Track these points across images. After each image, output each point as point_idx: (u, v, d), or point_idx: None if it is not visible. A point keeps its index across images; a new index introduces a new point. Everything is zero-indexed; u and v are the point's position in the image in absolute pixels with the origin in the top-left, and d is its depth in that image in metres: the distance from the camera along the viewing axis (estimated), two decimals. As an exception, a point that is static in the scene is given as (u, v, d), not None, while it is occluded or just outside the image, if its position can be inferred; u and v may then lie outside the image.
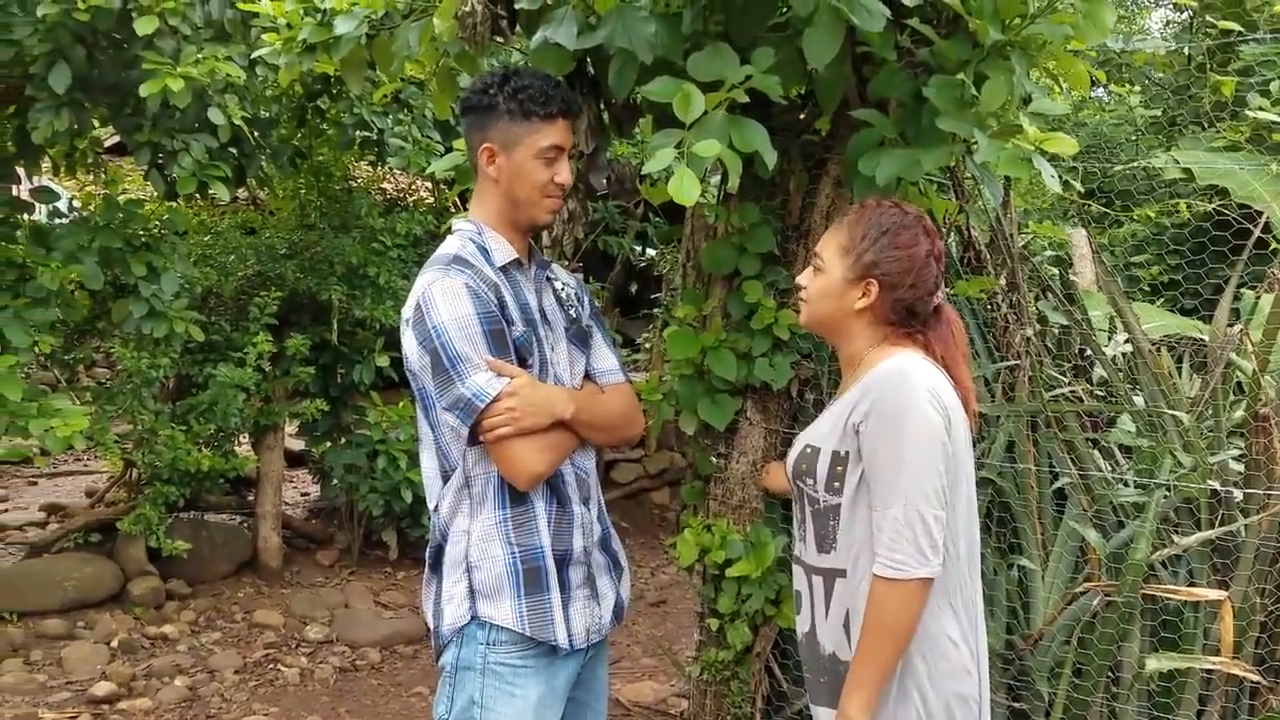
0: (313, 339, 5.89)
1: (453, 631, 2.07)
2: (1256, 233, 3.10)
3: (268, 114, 5.14)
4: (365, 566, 6.32)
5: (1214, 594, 2.47)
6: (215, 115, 4.25)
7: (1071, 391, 3.05)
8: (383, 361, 5.94)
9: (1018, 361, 2.91)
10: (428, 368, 2.01)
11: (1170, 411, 2.79)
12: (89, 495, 7.26)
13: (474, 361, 1.98)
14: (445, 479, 2.10)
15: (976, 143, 2.13)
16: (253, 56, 3.75)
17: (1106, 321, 3.55)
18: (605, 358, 2.29)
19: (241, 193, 6.23)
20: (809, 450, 1.99)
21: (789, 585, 2.52)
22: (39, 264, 4.33)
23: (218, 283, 5.79)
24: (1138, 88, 7.49)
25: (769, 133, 2.03)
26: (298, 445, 6.98)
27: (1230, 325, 2.92)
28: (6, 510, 7.47)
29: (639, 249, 8.11)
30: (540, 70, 2.17)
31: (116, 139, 5.71)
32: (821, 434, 1.98)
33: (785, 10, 2.20)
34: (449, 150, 3.01)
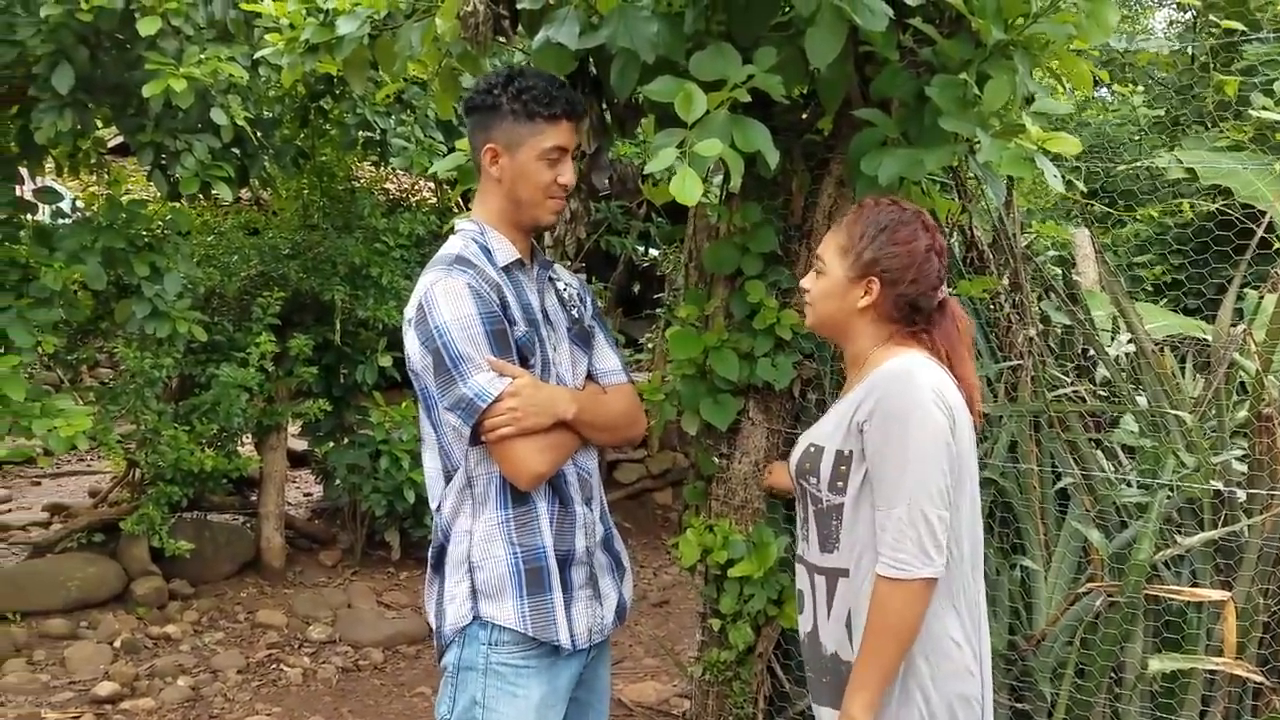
0: (315, 339, 5.89)
1: (455, 632, 2.07)
2: (1259, 233, 3.10)
3: (270, 114, 5.15)
4: (368, 566, 6.32)
5: (1217, 594, 2.47)
6: (218, 115, 4.25)
7: (1074, 391, 3.04)
8: (385, 362, 5.94)
9: (1020, 361, 2.91)
10: (430, 368, 2.01)
11: (1173, 412, 2.79)
12: (92, 495, 7.26)
13: (476, 361, 1.98)
14: (447, 479, 2.10)
15: (979, 142, 2.13)
16: (255, 57, 3.75)
17: (1109, 321, 3.55)
18: (607, 358, 2.29)
19: (244, 193, 6.24)
20: (812, 449, 1.99)
21: (791, 585, 2.52)
22: (42, 264, 4.34)
23: (221, 283, 5.79)
24: (1141, 88, 7.48)
25: (771, 132, 2.02)
26: (300, 445, 6.98)
27: (1233, 325, 2.92)
28: (10, 510, 7.48)
29: (642, 249, 8.11)
30: (544, 71, 2.17)
31: (120, 139, 5.71)
32: (825, 433, 1.98)
33: (787, 10, 2.20)
34: (452, 150, 3.01)
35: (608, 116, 2.59)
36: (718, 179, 2.74)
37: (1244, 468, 2.63)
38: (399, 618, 5.57)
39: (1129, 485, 2.75)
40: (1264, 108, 5.41)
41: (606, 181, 2.63)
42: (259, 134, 4.87)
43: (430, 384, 2.03)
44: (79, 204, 5.10)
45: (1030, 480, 2.78)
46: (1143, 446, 2.87)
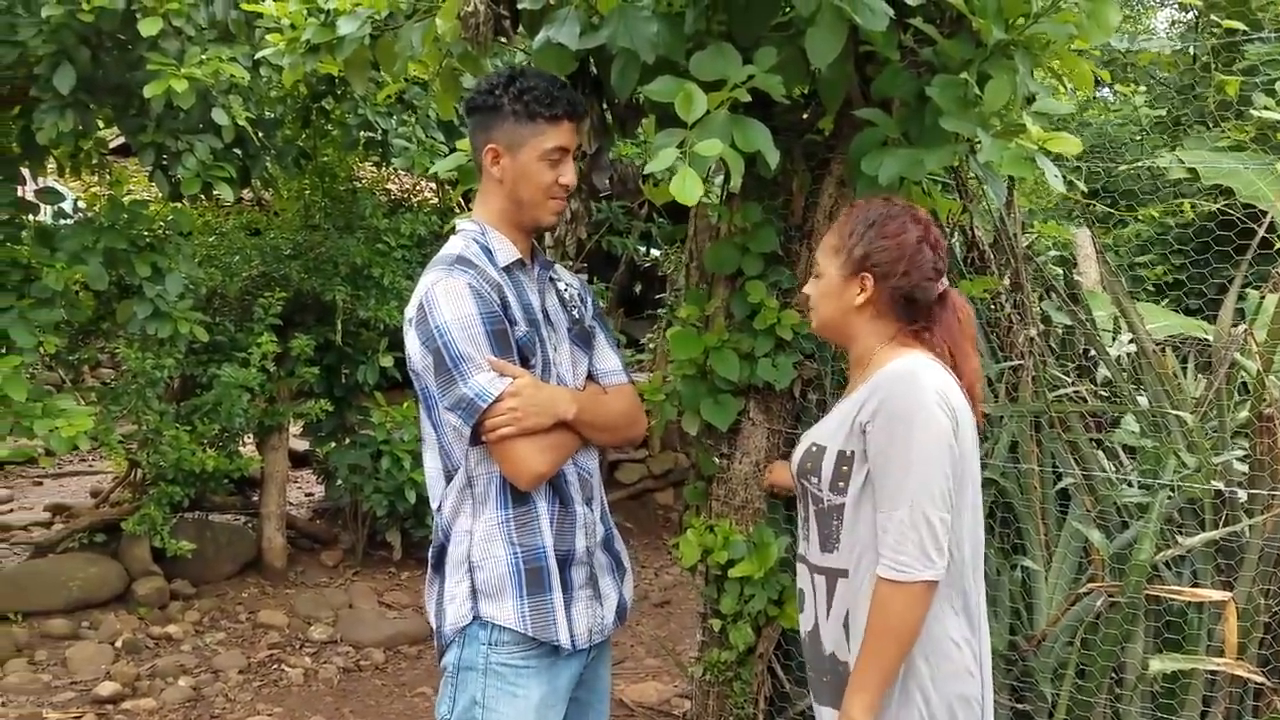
0: (317, 339, 5.89)
1: (455, 632, 2.07)
2: (1261, 232, 3.09)
3: (272, 115, 5.15)
4: (369, 567, 6.33)
5: (1218, 595, 2.47)
6: (219, 116, 4.25)
7: (1075, 392, 3.04)
8: (387, 362, 5.95)
9: (1021, 362, 2.90)
10: (430, 367, 2.01)
11: (1174, 412, 2.79)
12: (94, 495, 7.27)
13: (476, 361, 1.98)
14: (448, 479, 2.10)
15: (980, 142, 2.13)
16: (257, 57, 3.76)
17: (1111, 322, 3.55)
18: (608, 358, 2.29)
19: (246, 193, 6.24)
20: (814, 449, 1.99)
21: (791, 586, 2.52)
22: (44, 265, 4.34)
23: (222, 283, 5.80)
24: (1143, 87, 7.48)
25: (772, 132, 2.02)
26: (302, 446, 6.99)
27: (1234, 325, 2.92)
28: (12, 510, 7.49)
29: (643, 249, 8.11)
30: (545, 71, 2.17)
31: (121, 140, 5.72)
32: (828, 433, 1.98)
33: (788, 10, 2.20)
34: (453, 151, 3.01)
35: (608, 117, 2.59)
36: (719, 179, 2.74)
37: (1245, 468, 2.63)
38: (400, 618, 5.57)
39: (1130, 485, 2.74)
40: (1265, 107, 5.40)
41: (607, 182, 2.63)
42: (260, 134, 4.88)
43: (431, 384, 2.03)
44: (80, 204, 5.11)
45: (1031, 480, 2.78)
46: (1144, 447, 2.86)
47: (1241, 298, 3.45)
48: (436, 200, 6.70)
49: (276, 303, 5.61)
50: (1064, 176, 2.32)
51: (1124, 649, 2.55)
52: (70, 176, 5.27)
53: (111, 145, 6.32)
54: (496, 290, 2.05)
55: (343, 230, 6.00)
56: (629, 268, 8.17)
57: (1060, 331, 3.33)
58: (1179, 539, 2.54)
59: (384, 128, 5.62)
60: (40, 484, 8.38)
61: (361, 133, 5.60)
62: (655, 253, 8.28)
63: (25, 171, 4.89)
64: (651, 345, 7.72)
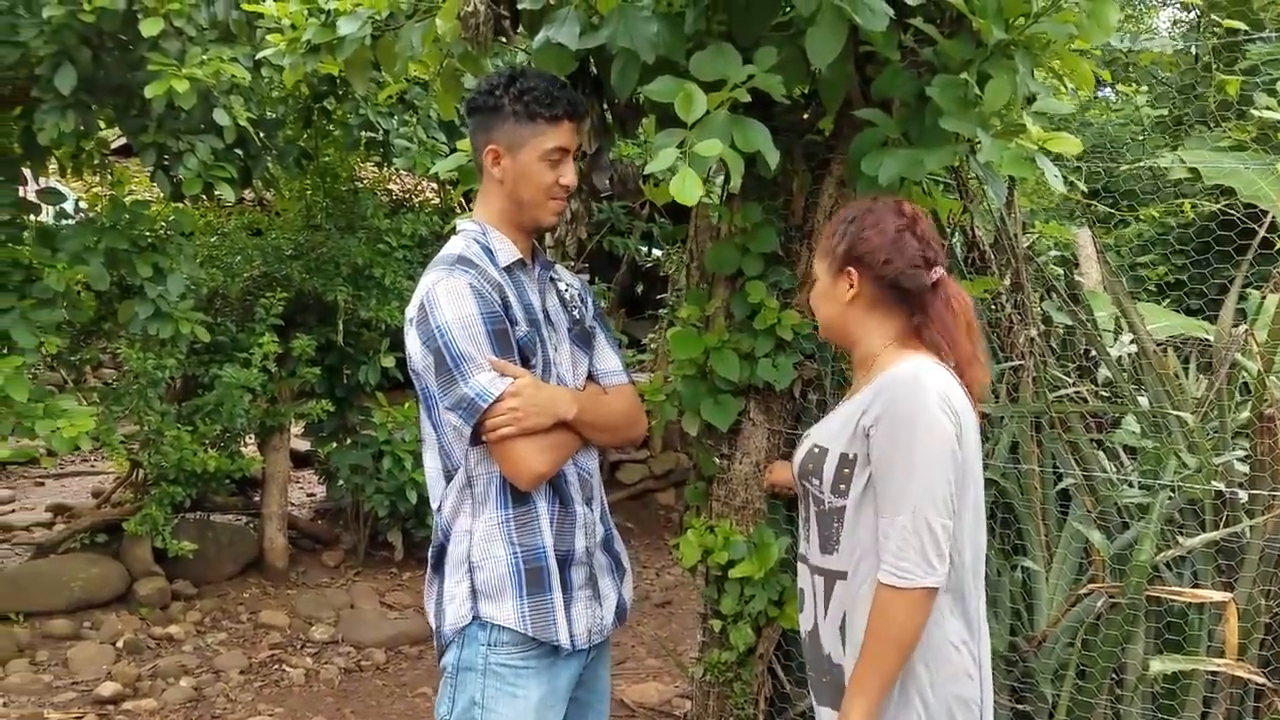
0: (318, 340, 5.90)
1: (454, 632, 2.07)
2: (1261, 232, 3.09)
3: (273, 115, 5.15)
4: (371, 567, 6.33)
5: (1219, 596, 2.46)
6: (220, 116, 4.25)
7: (1076, 392, 3.04)
8: (388, 362, 5.95)
9: (1022, 362, 2.90)
10: (431, 367, 2.01)
11: (1175, 412, 2.79)
12: (95, 496, 7.28)
13: (477, 361, 1.98)
14: (448, 479, 2.10)
15: (980, 142, 2.12)
16: (258, 57, 3.76)
17: (1111, 322, 3.54)
18: (608, 358, 2.29)
19: (247, 194, 6.25)
20: (816, 450, 1.98)
21: (792, 586, 2.52)
22: (45, 265, 4.34)
23: (224, 284, 5.80)
24: (1144, 87, 7.47)
25: (772, 132, 2.02)
26: (303, 446, 6.99)
27: (1235, 326, 2.91)
28: (13, 511, 7.49)
29: (645, 250, 8.11)
30: (545, 71, 2.17)
31: (123, 140, 5.72)
32: (830, 435, 1.97)
33: (788, 10, 2.20)
34: (454, 151, 3.01)
35: (608, 117, 2.59)
36: (719, 179, 2.74)
37: (1246, 468, 2.63)
38: (401, 618, 5.57)
39: (1130, 486, 2.74)
40: (1267, 107, 5.40)
41: (608, 182, 2.63)
42: (262, 135, 4.88)
43: (431, 383, 2.03)
44: (82, 205, 5.11)
45: (1032, 481, 2.78)
46: (1144, 447, 2.86)
47: (1243, 298, 3.45)
48: (438, 200, 6.70)
49: (278, 303, 5.61)
50: (1064, 177, 2.32)
51: (1124, 650, 2.55)
52: (72, 177, 5.27)
53: (113, 146, 6.33)
54: (497, 290, 2.05)
55: (344, 230, 6.00)
56: (630, 268, 8.17)
57: (1061, 332, 3.33)
58: (1180, 540, 2.53)
59: (385, 128, 5.62)
60: (42, 484, 8.39)
61: (363, 133, 5.61)
62: (657, 253, 8.28)
63: (27, 172, 4.89)
64: (653, 345, 7.72)
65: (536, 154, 2.08)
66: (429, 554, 2.18)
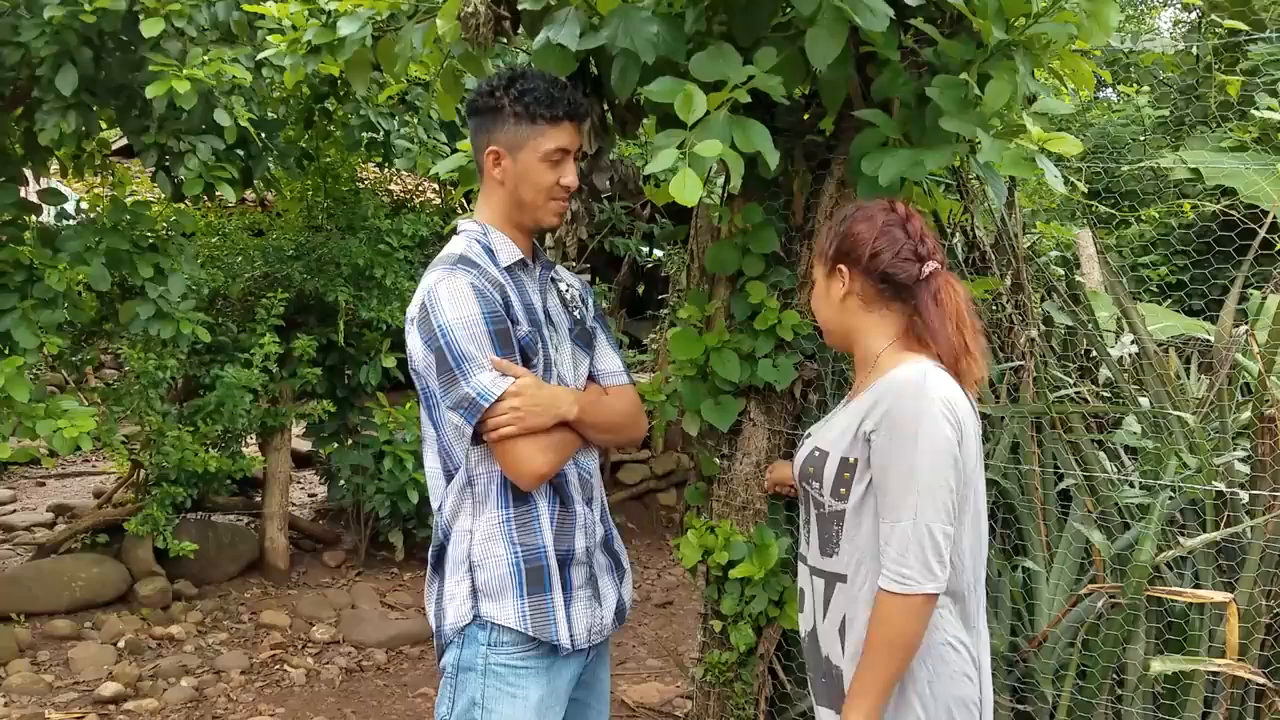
0: (319, 340, 5.90)
1: (454, 631, 2.07)
2: (1262, 233, 3.08)
3: (274, 115, 5.16)
4: (372, 567, 6.33)
5: (1219, 596, 2.46)
6: (221, 117, 4.26)
7: (1077, 392, 3.04)
8: (389, 363, 5.95)
9: (1023, 362, 2.90)
10: (432, 366, 2.01)
11: (1176, 413, 2.78)
12: (96, 496, 7.28)
13: (479, 360, 1.98)
14: (448, 478, 2.10)
15: (980, 143, 2.12)
16: (259, 58, 3.76)
17: (1113, 322, 3.54)
18: (609, 359, 2.29)
19: (248, 194, 6.25)
20: (817, 454, 1.98)
21: (792, 587, 2.52)
22: (46, 265, 4.35)
23: (225, 284, 5.81)
24: (1145, 88, 7.47)
25: (772, 133, 2.03)
26: (304, 446, 6.99)
27: (1236, 326, 2.91)
28: (15, 511, 7.49)
29: (645, 250, 8.12)
30: (546, 72, 2.17)
31: (124, 141, 5.73)
32: (831, 438, 1.97)
33: (788, 10, 2.20)
34: (455, 151, 3.01)
35: (609, 117, 2.59)
36: (720, 180, 2.74)
37: (1247, 469, 2.63)
38: (403, 618, 5.57)
39: (1131, 486, 2.74)
40: (1268, 108, 5.40)
41: (608, 182, 2.63)
42: (263, 135, 4.89)
43: (432, 383, 2.03)
44: (83, 205, 5.11)
45: (1032, 481, 2.77)
46: (1145, 447, 2.86)
47: (1243, 298, 3.45)
48: (439, 201, 6.71)
49: (279, 303, 5.62)
50: (1065, 177, 2.32)
51: (1125, 650, 2.55)
52: (73, 177, 5.28)
53: (114, 146, 6.34)
54: (499, 290, 2.05)
55: (345, 231, 6.00)
56: (631, 268, 8.17)
57: (1062, 332, 3.32)
58: (1180, 540, 2.53)
59: (386, 128, 5.63)
60: (43, 485, 8.39)
61: (363, 134, 5.61)
62: (657, 253, 8.29)
63: (28, 172, 4.90)
64: (654, 346, 7.73)
65: (537, 155, 2.08)
66: (429, 554, 2.18)
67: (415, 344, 2.05)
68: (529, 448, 2.01)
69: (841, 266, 1.96)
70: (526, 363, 2.06)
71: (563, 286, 2.27)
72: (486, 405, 1.97)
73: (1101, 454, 2.86)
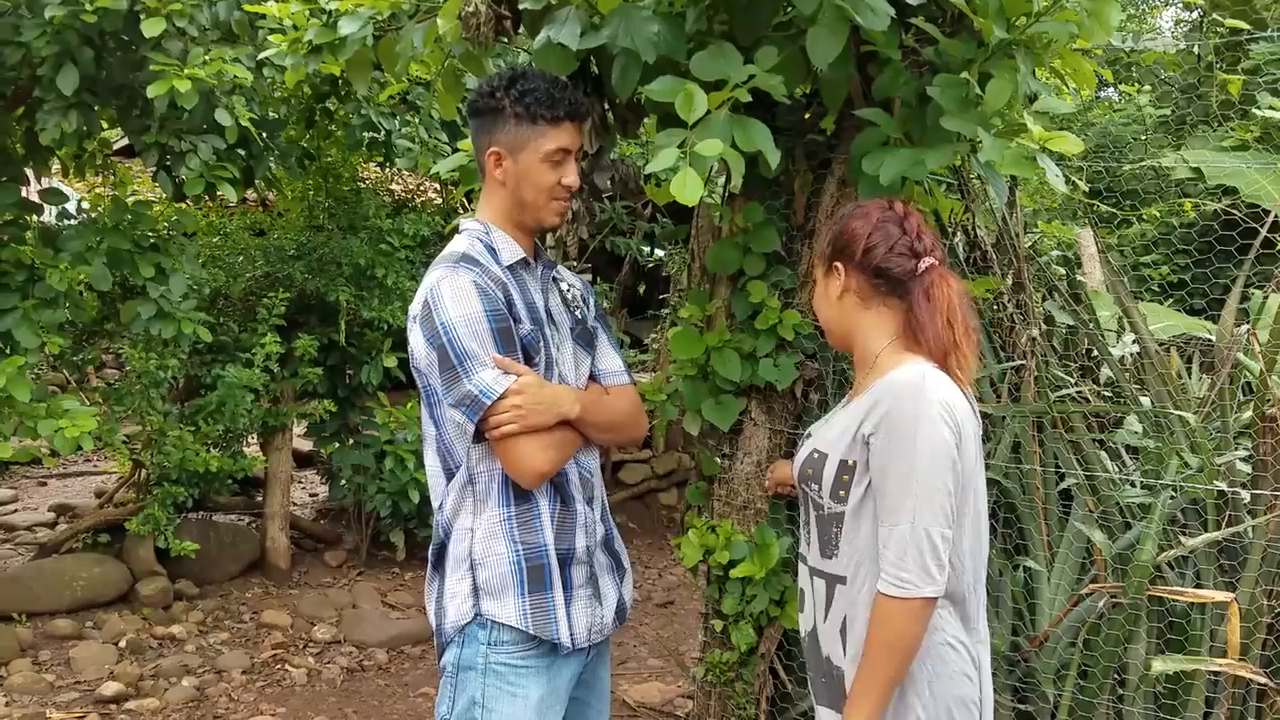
0: (321, 340, 5.90)
1: (455, 630, 2.07)
2: (1264, 232, 3.08)
3: (275, 115, 5.16)
4: (373, 567, 6.33)
5: (1221, 596, 2.46)
6: (222, 116, 4.26)
7: (1078, 392, 3.04)
8: (390, 362, 5.95)
9: (1024, 362, 2.90)
10: (434, 364, 2.01)
11: (1177, 412, 2.78)
12: (98, 496, 7.28)
13: (481, 358, 1.98)
14: (448, 477, 2.10)
15: (981, 142, 2.12)
16: (260, 58, 3.76)
17: (1114, 322, 3.54)
18: (610, 359, 2.29)
19: (250, 194, 6.26)
20: (816, 456, 1.98)
21: (793, 586, 2.52)
22: (47, 265, 4.35)
23: (226, 284, 5.81)
24: (1147, 87, 7.47)
25: (773, 132, 2.03)
26: (306, 446, 7.00)
27: (1238, 325, 2.91)
28: (16, 511, 7.50)
29: (646, 250, 8.12)
30: (547, 72, 2.17)
31: (125, 140, 5.73)
32: (830, 440, 1.96)
33: (789, 9, 2.20)
34: (456, 151, 3.02)
35: (609, 116, 2.59)
36: (721, 179, 2.74)
37: (1248, 468, 2.62)
38: (404, 618, 5.57)
39: (1133, 486, 2.74)
40: (1270, 107, 5.40)
41: (609, 181, 2.63)
42: (264, 135, 4.89)
43: (434, 381, 2.03)
44: (84, 205, 5.12)
45: (1033, 481, 2.77)
46: (1146, 447, 2.86)
47: (1245, 297, 3.45)
48: (440, 201, 6.71)
49: (280, 303, 5.62)
50: (1066, 176, 2.31)
51: (1126, 650, 2.54)
52: (74, 177, 5.28)
53: (115, 146, 6.34)
54: (501, 288, 2.05)
55: (346, 231, 6.01)
56: (632, 268, 8.18)
57: (1063, 331, 3.32)
58: (1182, 540, 2.53)
59: (387, 128, 5.63)
60: (45, 484, 8.40)
61: (365, 133, 5.61)
62: (659, 253, 8.29)
63: (29, 172, 4.90)
64: (655, 345, 7.73)
65: (538, 155, 2.08)
66: (429, 552, 2.18)
67: (418, 341, 2.05)
68: (530, 446, 2.01)
69: (838, 264, 1.96)
70: (528, 361, 2.06)
71: (564, 286, 2.27)
72: (489, 403, 1.97)
73: (1103, 453, 2.85)
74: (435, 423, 2.09)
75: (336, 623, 5.50)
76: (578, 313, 2.26)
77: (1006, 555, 2.76)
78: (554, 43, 2.23)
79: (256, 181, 5.11)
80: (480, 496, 2.08)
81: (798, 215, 2.67)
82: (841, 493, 1.91)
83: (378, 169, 6.60)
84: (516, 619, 2.03)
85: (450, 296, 2.00)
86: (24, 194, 4.68)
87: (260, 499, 6.30)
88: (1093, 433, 2.88)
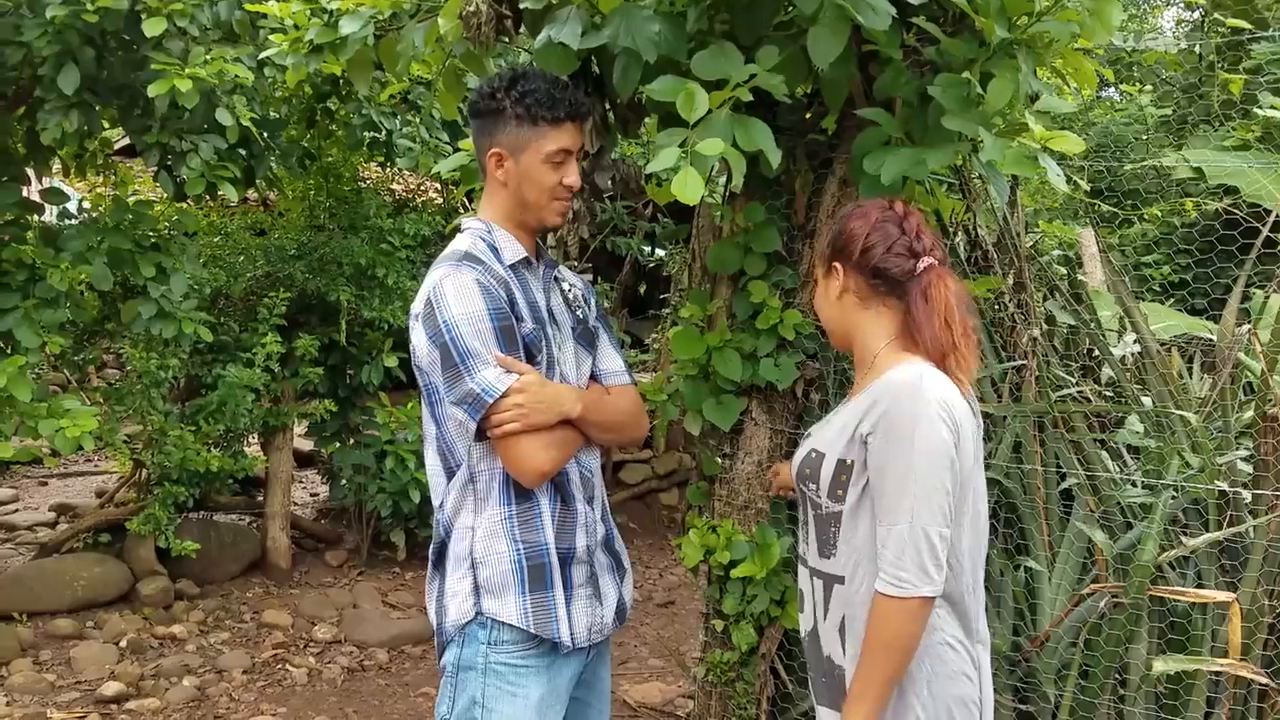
0: (321, 340, 5.90)
1: (456, 629, 2.07)
2: (1265, 232, 3.08)
3: (276, 115, 5.16)
4: (373, 567, 6.33)
5: (1222, 596, 2.46)
6: (223, 116, 4.26)
7: (1079, 392, 3.03)
8: (391, 362, 5.96)
9: (1025, 361, 2.90)
10: (436, 362, 2.01)
11: (1178, 412, 2.78)
12: (99, 495, 7.28)
13: (483, 357, 1.98)
14: (449, 475, 2.10)
15: (982, 141, 2.12)
16: (261, 57, 3.76)
17: (1115, 321, 3.54)
18: (611, 359, 2.29)
19: (251, 194, 6.26)
20: (814, 455, 1.98)
21: (794, 586, 2.51)
22: (48, 265, 4.35)
23: (227, 284, 5.81)
24: (1148, 86, 7.47)
25: (774, 132, 2.03)
26: (306, 446, 7.00)
27: (1239, 325, 2.91)
28: (17, 510, 7.50)
29: (647, 249, 8.12)
30: (548, 73, 2.17)
31: (126, 140, 5.73)
32: (828, 440, 1.96)
33: (790, 9, 2.20)
34: (457, 151, 3.02)
35: (610, 116, 2.59)
36: (722, 179, 2.73)
37: (1249, 468, 2.62)
38: (404, 618, 5.57)
39: (1134, 486, 2.74)
40: (1271, 107, 5.39)
41: (609, 181, 2.63)
42: (265, 134, 4.89)
43: (436, 379, 2.03)
44: (85, 205, 5.12)
45: (1034, 481, 2.77)
46: (1147, 447, 2.85)
47: (1246, 297, 3.44)
48: (441, 200, 6.71)
49: (281, 303, 5.62)
50: (1068, 176, 2.31)
51: (1127, 650, 2.54)
52: (75, 177, 5.28)
53: (116, 146, 6.34)
54: (503, 287, 2.05)
55: (347, 230, 6.01)
56: (633, 268, 8.18)
57: (1064, 331, 3.32)
58: (1183, 540, 2.53)
59: (388, 128, 5.63)
60: (45, 484, 8.40)
61: (365, 133, 5.61)
62: (659, 253, 8.29)
63: (30, 172, 4.90)
64: (655, 345, 7.73)
65: (539, 156, 2.08)
66: (430, 551, 2.18)
67: (420, 339, 2.05)
68: (532, 445, 2.01)
69: (837, 263, 1.96)
70: (530, 360, 2.06)
71: (565, 286, 2.27)
72: (490, 401, 1.97)
73: (1104, 453, 2.85)
74: (436, 421, 2.09)
75: (337, 622, 5.50)
76: (579, 312, 2.26)
77: (1008, 555, 2.76)
78: (555, 42, 2.23)
79: (257, 181, 5.11)
80: (481, 495, 2.07)
81: (799, 215, 2.67)
82: (839, 492, 1.91)
83: (379, 169, 6.60)
84: (517, 618, 2.03)
85: (453, 294, 2.00)
86: (25, 193, 4.68)
87: (261, 499, 6.30)
88: (1094, 432, 2.88)
